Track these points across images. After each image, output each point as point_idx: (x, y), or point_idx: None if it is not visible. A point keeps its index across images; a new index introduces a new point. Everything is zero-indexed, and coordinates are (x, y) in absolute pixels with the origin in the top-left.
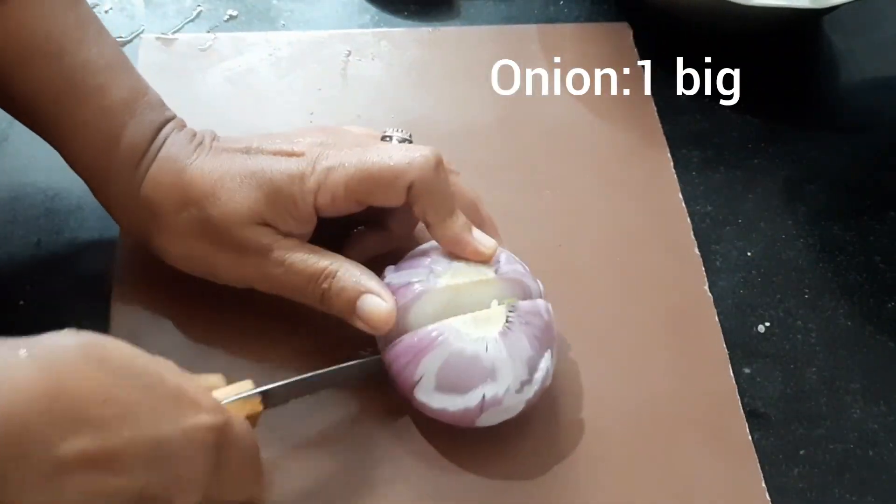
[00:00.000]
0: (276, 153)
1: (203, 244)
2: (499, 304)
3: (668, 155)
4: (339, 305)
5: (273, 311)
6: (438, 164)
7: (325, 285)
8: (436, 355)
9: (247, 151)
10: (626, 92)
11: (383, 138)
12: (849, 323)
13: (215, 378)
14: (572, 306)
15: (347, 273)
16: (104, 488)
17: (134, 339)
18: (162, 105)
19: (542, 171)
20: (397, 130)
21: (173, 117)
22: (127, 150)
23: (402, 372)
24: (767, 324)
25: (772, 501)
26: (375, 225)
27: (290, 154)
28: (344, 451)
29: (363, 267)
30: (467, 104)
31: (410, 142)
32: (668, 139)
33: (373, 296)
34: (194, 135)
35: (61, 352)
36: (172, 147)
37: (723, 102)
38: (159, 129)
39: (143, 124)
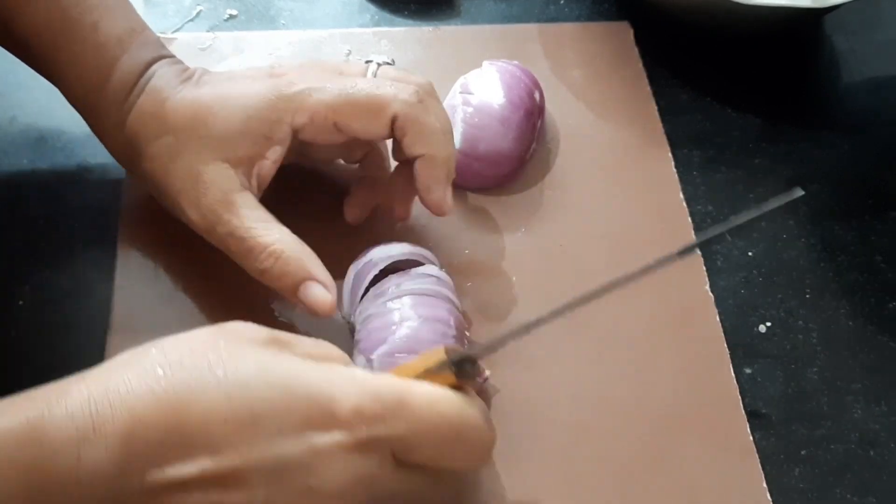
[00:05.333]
0: (256, 77)
1: (172, 174)
2: None
3: (669, 154)
4: (280, 287)
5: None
6: (424, 97)
7: (266, 264)
8: None
9: (230, 79)
10: (627, 92)
11: (367, 63)
12: (850, 323)
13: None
14: None
15: (293, 255)
16: (222, 503)
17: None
18: (158, 44)
19: (543, 170)
20: (379, 55)
21: (168, 55)
22: (117, 85)
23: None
24: (768, 324)
25: (773, 502)
26: (368, 178)
27: (271, 76)
28: None
29: (306, 247)
30: None
31: (391, 64)
32: (668, 139)
33: (317, 285)
34: (185, 69)
35: (188, 363)
36: (160, 80)
37: (723, 102)
38: (150, 65)
39: (134, 60)
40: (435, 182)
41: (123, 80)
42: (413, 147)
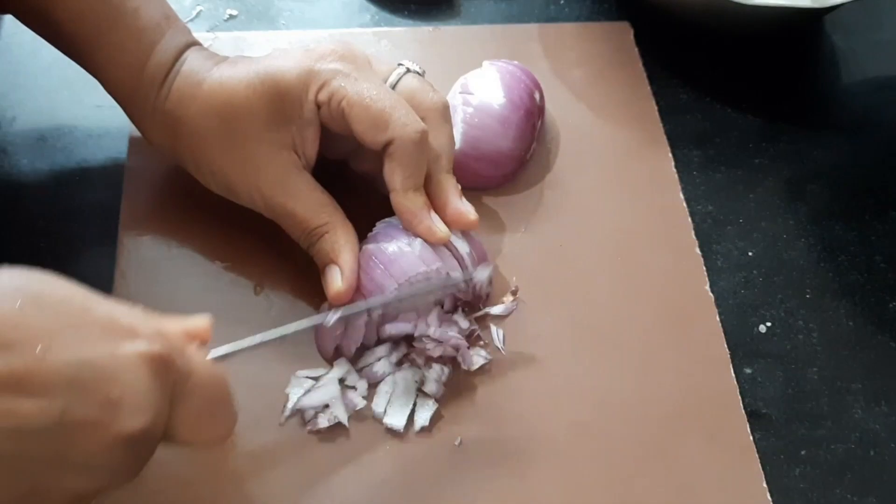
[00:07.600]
0: (290, 53)
1: (222, 155)
2: None
3: (669, 154)
4: (317, 260)
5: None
6: (423, 140)
7: (313, 239)
8: None
9: (265, 57)
10: (627, 91)
11: (398, 65)
12: (850, 323)
13: (200, 318)
14: (573, 306)
15: (333, 238)
16: (16, 410)
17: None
18: (189, 31)
19: (543, 170)
20: (413, 64)
21: (199, 42)
22: (153, 69)
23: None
24: (769, 324)
25: (773, 502)
26: None
27: (306, 50)
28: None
29: (352, 232)
30: None
31: (422, 75)
32: (668, 139)
33: (338, 271)
34: (215, 54)
35: None
36: (193, 63)
37: (724, 102)
38: (184, 50)
39: (170, 45)
40: (410, 217)
41: (160, 64)
42: (392, 178)
